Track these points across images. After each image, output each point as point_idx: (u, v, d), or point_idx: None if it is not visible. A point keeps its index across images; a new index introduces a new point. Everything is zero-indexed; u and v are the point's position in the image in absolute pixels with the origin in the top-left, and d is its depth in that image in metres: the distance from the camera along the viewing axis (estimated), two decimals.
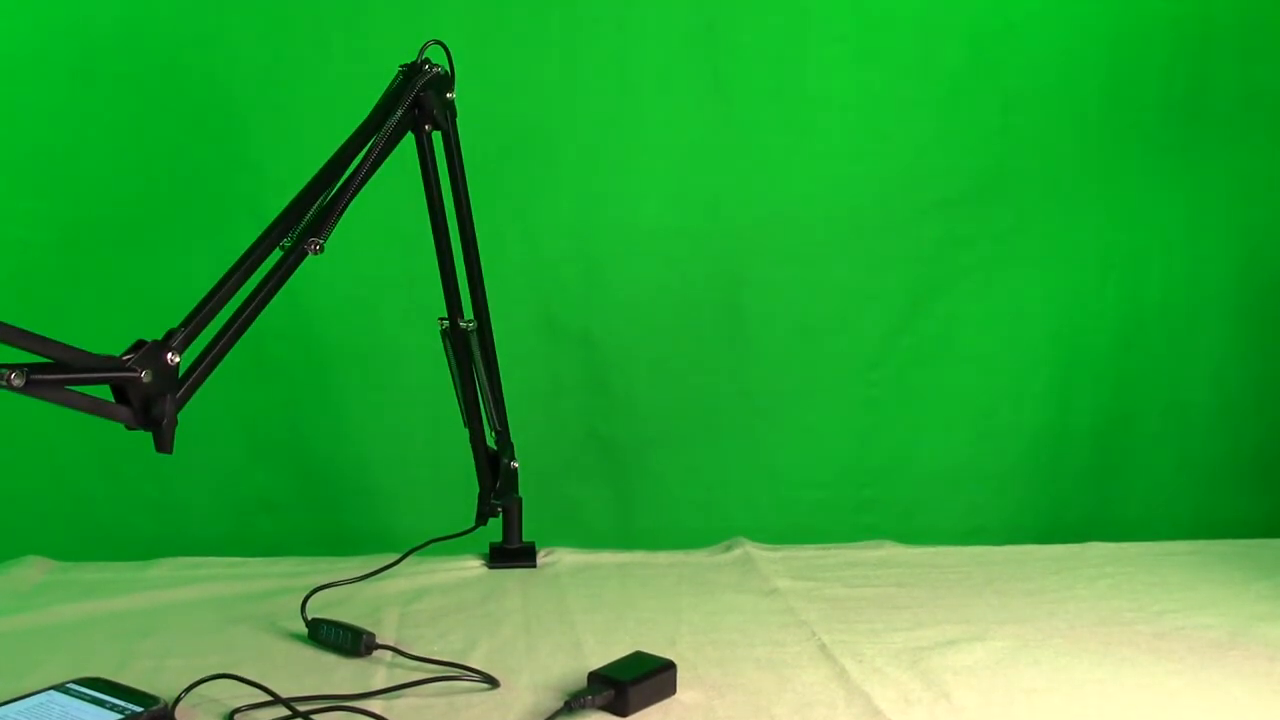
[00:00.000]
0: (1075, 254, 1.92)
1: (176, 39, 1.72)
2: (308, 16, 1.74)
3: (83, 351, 0.93)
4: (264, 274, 1.11)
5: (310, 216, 1.14)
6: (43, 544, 1.45)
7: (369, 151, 1.19)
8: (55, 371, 0.92)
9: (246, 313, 1.09)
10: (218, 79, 1.73)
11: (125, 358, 0.98)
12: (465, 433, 1.46)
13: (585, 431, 1.88)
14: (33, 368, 0.91)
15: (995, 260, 1.90)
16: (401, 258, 1.73)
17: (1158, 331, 1.95)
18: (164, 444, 1.00)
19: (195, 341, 1.04)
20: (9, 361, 0.89)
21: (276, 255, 1.12)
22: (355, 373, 1.82)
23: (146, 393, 0.99)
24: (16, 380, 0.88)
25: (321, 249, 1.11)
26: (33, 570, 1.39)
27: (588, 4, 1.79)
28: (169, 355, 1.00)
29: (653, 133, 1.83)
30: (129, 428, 1.00)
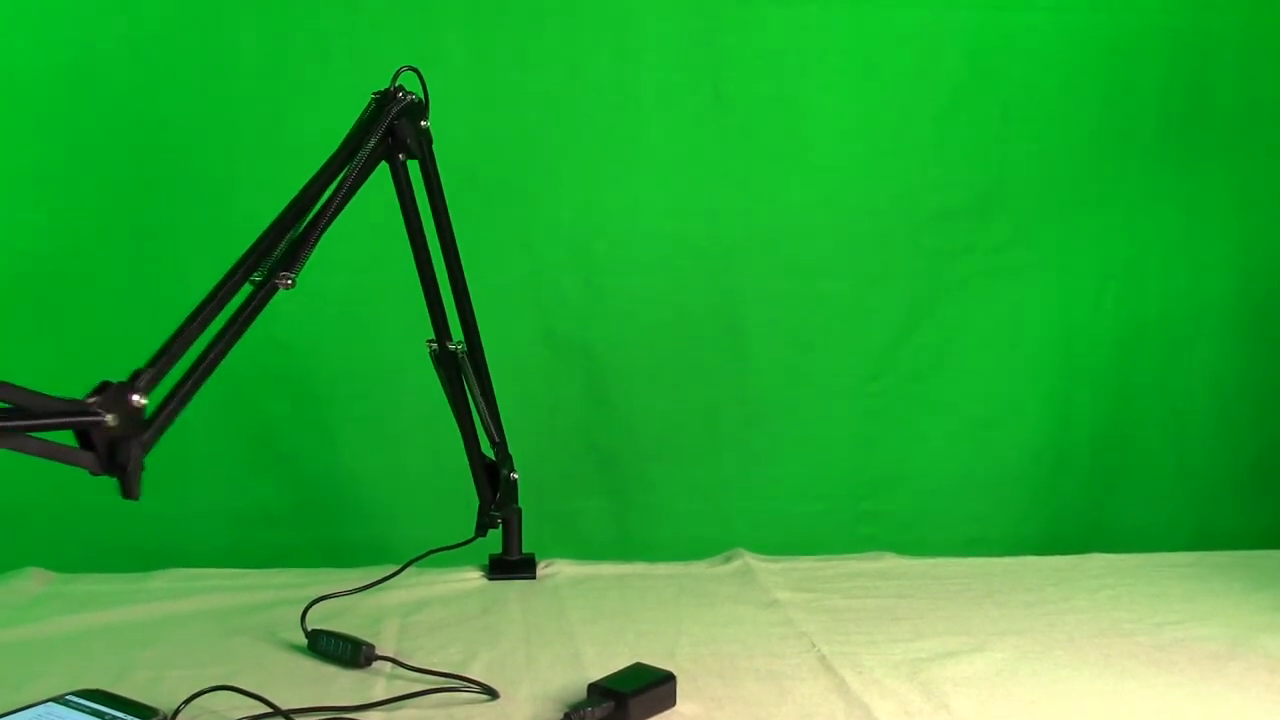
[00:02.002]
0: (1074, 265, 1.93)
1: (176, 52, 1.73)
2: (308, 34, 1.74)
3: (43, 395, 0.89)
4: (233, 309, 1.07)
5: (281, 250, 1.11)
6: (42, 555, 1.45)
7: (341, 183, 1.16)
8: (15, 418, 0.88)
9: (216, 350, 1.04)
10: (218, 92, 1.74)
11: (90, 400, 0.93)
12: (463, 445, 1.46)
13: (585, 444, 1.88)
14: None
15: (994, 272, 1.91)
16: (398, 271, 1.73)
17: (1157, 342, 1.95)
18: (131, 491, 0.95)
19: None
20: None
21: (247, 290, 1.09)
22: (354, 385, 1.82)
23: (111, 437, 0.94)
24: None
25: (293, 283, 1.07)
26: (32, 582, 1.39)
27: (588, 19, 1.80)
28: (135, 397, 0.95)
29: (652, 146, 1.83)
30: (92, 474, 0.95)
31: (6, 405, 0.88)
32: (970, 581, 1.45)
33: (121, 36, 1.71)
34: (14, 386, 0.88)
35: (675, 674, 1.08)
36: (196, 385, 1.03)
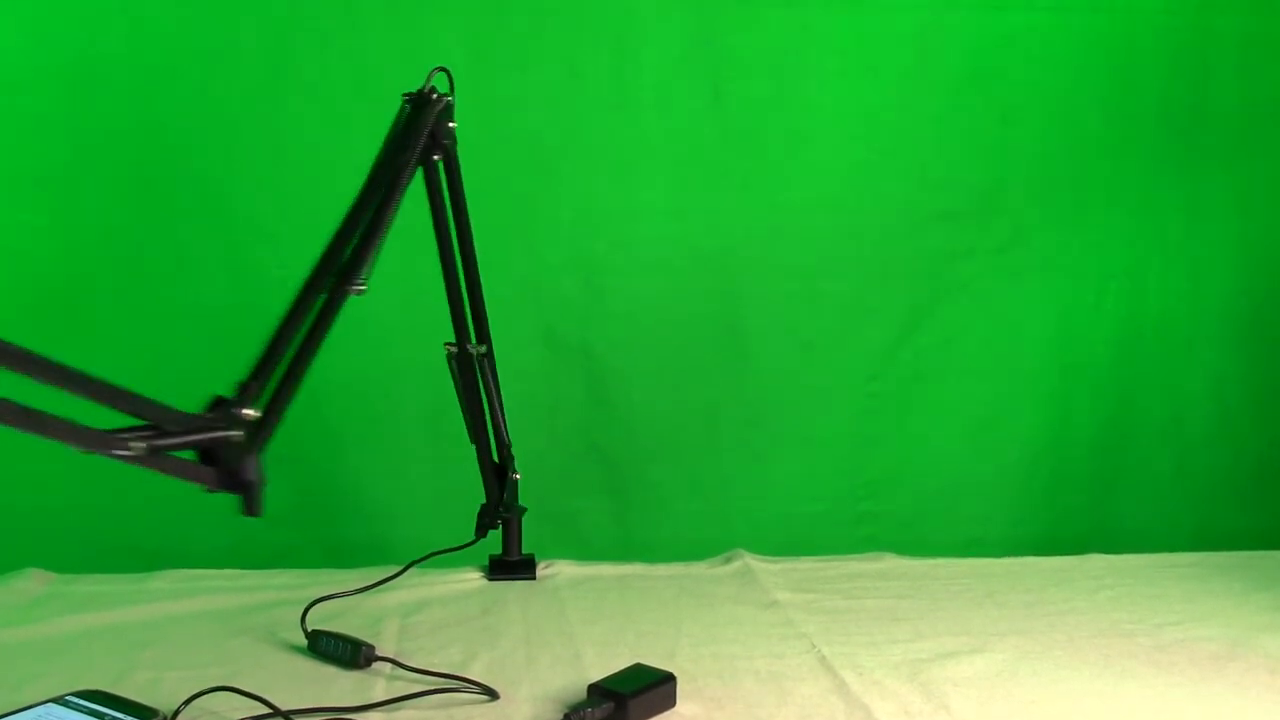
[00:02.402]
0: (1074, 266, 1.93)
1: (177, 52, 1.73)
2: (309, 35, 1.74)
3: (173, 410, 0.88)
4: (311, 322, 1.09)
5: (345, 260, 1.13)
6: (42, 556, 1.45)
7: (397, 187, 1.17)
8: (159, 436, 0.87)
9: (302, 363, 1.06)
10: (219, 93, 1.74)
11: (214, 416, 0.92)
12: (464, 446, 1.46)
13: (585, 444, 1.88)
14: (150, 433, 0.86)
15: (994, 272, 1.90)
16: (399, 273, 1.73)
17: (1157, 343, 1.95)
18: (256, 506, 0.95)
19: None
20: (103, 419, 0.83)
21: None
22: (355, 386, 1.82)
23: (237, 452, 0.94)
24: (141, 448, 0.83)
25: (364, 289, 1.10)
26: (32, 582, 1.38)
27: (588, 19, 1.80)
28: (246, 410, 0.96)
29: (652, 146, 1.83)
30: (208, 490, 0.94)
31: (144, 422, 0.87)
32: (970, 582, 1.45)
33: (122, 36, 1.71)
34: (151, 401, 0.87)
35: (675, 674, 1.08)
36: (288, 398, 1.03)
